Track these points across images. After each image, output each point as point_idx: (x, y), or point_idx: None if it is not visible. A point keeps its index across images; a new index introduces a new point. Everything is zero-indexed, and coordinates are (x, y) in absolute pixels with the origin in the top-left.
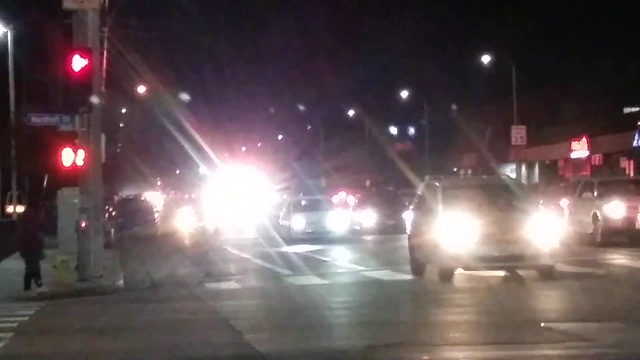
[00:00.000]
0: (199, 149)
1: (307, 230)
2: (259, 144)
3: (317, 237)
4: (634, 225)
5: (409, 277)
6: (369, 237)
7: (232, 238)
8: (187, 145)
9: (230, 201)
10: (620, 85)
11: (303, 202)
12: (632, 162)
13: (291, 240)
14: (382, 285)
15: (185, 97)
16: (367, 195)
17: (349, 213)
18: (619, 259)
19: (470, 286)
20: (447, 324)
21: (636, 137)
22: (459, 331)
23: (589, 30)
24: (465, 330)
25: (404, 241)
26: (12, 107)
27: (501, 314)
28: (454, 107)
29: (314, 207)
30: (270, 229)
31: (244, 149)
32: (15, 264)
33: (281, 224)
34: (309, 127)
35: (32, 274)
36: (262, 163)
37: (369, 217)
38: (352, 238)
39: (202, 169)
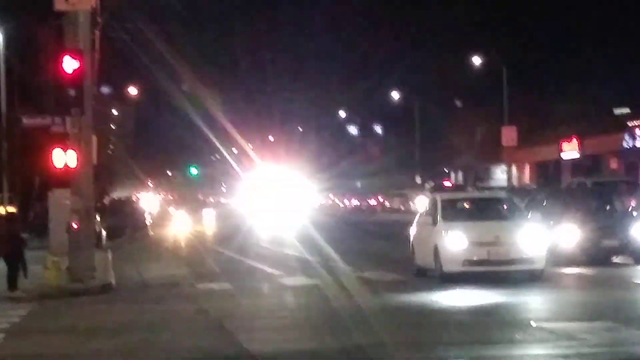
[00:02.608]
0: (224, 143)
1: (474, 257)
2: (299, 128)
3: (495, 271)
4: None
5: None
6: (577, 271)
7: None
8: (210, 138)
9: (265, 201)
10: (611, 87)
11: (463, 204)
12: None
13: (442, 274)
14: None
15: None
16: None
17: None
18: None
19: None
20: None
21: (626, 138)
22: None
23: (580, 32)
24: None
25: None
26: (3, 109)
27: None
28: (458, 103)
29: (484, 212)
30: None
31: (271, 138)
32: (1, 265)
33: (416, 238)
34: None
35: (13, 276)
36: (297, 157)
37: (570, 235)
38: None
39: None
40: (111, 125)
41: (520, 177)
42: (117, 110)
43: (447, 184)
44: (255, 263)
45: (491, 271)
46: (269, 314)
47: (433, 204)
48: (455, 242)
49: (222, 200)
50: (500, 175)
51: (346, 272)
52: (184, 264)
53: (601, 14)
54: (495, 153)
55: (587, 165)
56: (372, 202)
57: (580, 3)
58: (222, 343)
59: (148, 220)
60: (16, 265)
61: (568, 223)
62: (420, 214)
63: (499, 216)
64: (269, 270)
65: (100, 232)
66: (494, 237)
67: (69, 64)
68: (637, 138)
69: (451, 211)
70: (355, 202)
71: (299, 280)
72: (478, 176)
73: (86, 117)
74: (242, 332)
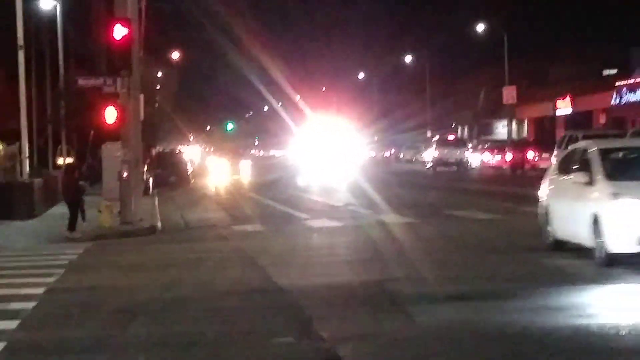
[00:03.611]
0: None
1: None
2: (358, 76)
3: None
4: None
5: None
6: None
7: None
8: (245, 96)
9: (318, 156)
10: (601, 50)
11: (631, 157)
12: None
13: (607, 254)
14: None
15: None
16: None
17: None
18: None
19: None
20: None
21: (614, 96)
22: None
23: (572, 2)
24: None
25: None
26: (61, 71)
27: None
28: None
29: None
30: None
31: (324, 88)
32: (64, 210)
33: (553, 201)
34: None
35: (73, 219)
36: (347, 109)
37: None
38: None
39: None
40: (156, 85)
41: (519, 131)
42: (161, 72)
43: (450, 137)
44: (286, 208)
45: None
46: (295, 252)
47: (583, 156)
48: (631, 210)
49: (256, 152)
50: (501, 129)
51: (366, 215)
52: (221, 208)
53: None
54: (497, 110)
55: (579, 120)
56: (387, 154)
57: None
58: (253, 277)
59: (190, 170)
60: (76, 210)
61: None
62: (555, 169)
63: None
64: (298, 213)
65: (148, 180)
66: None
67: (119, 31)
68: (623, 96)
69: (617, 167)
70: (372, 153)
71: (322, 222)
72: (481, 130)
73: (134, 78)
74: (271, 267)
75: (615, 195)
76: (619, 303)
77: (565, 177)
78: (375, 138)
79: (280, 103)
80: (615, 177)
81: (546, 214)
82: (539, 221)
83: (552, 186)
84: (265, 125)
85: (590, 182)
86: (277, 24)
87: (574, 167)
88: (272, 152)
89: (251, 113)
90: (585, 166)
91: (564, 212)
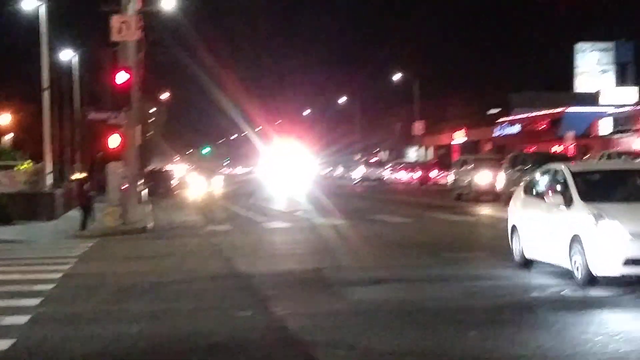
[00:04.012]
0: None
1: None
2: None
3: None
4: (495, 188)
5: None
6: None
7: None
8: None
9: (280, 173)
10: (487, 95)
11: (603, 179)
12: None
13: (590, 277)
14: None
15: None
16: None
17: None
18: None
19: None
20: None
21: (497, 129)
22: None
23: (468, 54)
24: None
25: None
26: (76, 107)
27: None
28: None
29: (635, 190)
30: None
31: (279, 121)
32: (77, 213)
33: (523, 223)
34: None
35: (85, 221)
36: (302, 136)
37: None
38: None
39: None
40: (149, 118)
41: (426, 155)
42: (154, 108)
43: (372, 159)
44: (248, 213)
45: None
46: (254, 246)
47: (555, 177)
48: (612, 232)
49: (226, 170)
50: (412, 153)
51: (309, 219)
52: (198, 213)
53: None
54: (409, 139)
55: (470, 147)
56: (328, 172)
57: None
58: (221, 265)
59: (175, 184)
60: (87, 213)
61: None
62: (522, 190)
63: None
64: (258, 217)
65: (141, 191)
66: None
67: (122, 77)
68: (504, 129)
69: (592, 189)
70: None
71: (275, 224)
72: (398, 154)
73: (133, 113)
74: (236, 258)
75: (597, 217)
76: (517, 274)
77: (535, 199)
78: (322, 160)
79: (246, 132)
80: (592, 199)
81: (514, 234)
82: (509, 240)
83: (521, 206)
84: (235, 148)
85: (566, 204)
86: (250, 69)
87: (546, 189)
88: (241, 169)
89: (224, 139)
90: (559, 188)
91: (535, 233)
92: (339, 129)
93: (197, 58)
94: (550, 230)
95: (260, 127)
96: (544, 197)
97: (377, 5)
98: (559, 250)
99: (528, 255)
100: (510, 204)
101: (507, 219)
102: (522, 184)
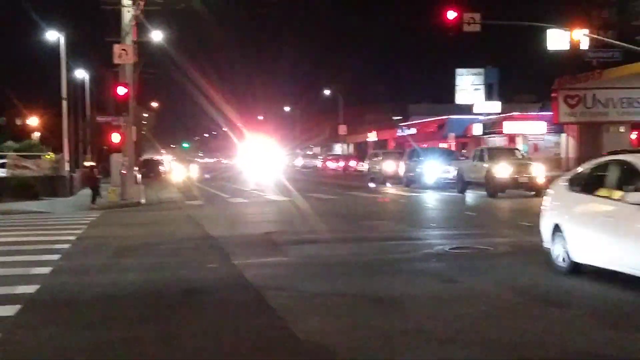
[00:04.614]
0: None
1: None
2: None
3: None
4: (398, 173)
5: None
6: None
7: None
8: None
9: (254, 164)
10: (392, 104)
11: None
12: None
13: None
14: None
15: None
16: None
17: None
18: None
19: None
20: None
21: (398, 131)
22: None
23: (380, 76)
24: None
25: None
26: (87, 112)
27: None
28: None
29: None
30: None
31: (261, 117)
32: (88, 192)
33: (567, 221)
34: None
35: (94, 197)
36: (273, 132)
37: None
38: None
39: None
40: (143, 121)
41: (347, 149)
42: (146, 114)
43: (309, 152)
44: (217, 192)
45: None
46: (220, 216)
47: (629, 171)
48: None
49: (201, 160)
50: (338, 148)
51: (262, 196)
52: (179, 191)
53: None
54: (336, 137)
55: (380, 144)
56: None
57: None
58: (196, 230)
59: (162, 170)
60: (95, 192)
61: None
62: (567, 185)
63: None
64: (224, 195)
65: (136, 175)
66: None
67: (121, 90)
68: (404, 131)
69: None
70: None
71: (237, 200)
72: (327, 149)
73: (130, 117)
74: (207, 225)
75: None
76: (419, 236)
77: (592, 196)
78: (285, 153)
79: (216, 131)
80: None
81: (555, 235)
82: (544, 242)
83: (570, 204)
84: (207, 143)
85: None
86: (228, 72)
87: (612, 185)
88: (217, 159)
89: (204, 135)
90: (614, 180)
91: (595, 235)
92: (286, 129)
93: (180, 70)
94: (626, 232)
95: (229, 127)
96: (608, 195)
97: (318, 38)
98: (619, 251)
99: (579, 259)
100: (546, 200)
101: (410, 197)
102: (563, 178)
